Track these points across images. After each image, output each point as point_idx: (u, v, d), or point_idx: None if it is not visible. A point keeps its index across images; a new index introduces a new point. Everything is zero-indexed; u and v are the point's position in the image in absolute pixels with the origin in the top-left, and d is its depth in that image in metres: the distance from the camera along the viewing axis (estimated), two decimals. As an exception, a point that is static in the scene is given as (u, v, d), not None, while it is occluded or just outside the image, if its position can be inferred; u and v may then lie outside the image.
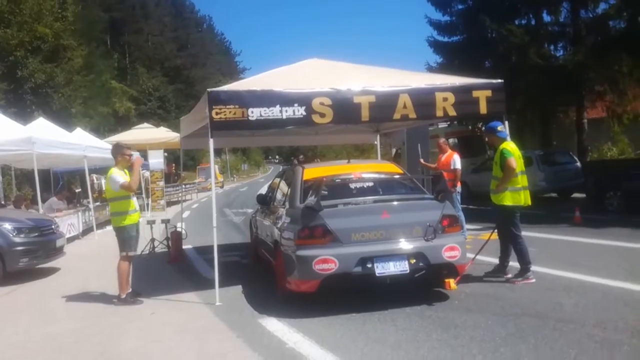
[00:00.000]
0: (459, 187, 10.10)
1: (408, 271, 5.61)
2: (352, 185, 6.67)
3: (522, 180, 6.61)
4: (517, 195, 6.55)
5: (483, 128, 25.05)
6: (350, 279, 5.60)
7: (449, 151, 10.41)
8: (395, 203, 6.22)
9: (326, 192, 6.17)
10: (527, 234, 8.25)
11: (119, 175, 6.67)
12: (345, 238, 5.66)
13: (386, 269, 5.58)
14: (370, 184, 6.79)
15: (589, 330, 4.69)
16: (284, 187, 7.56)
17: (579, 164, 16.83)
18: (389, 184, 7.00)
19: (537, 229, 10.16)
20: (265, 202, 8.09)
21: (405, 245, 5.72)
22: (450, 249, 5.81)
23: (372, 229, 5.72)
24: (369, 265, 5.56)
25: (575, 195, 16.25)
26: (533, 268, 6.64)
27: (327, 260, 5.51)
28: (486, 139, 7.40)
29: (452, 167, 10.05)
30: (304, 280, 5.68)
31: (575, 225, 11.05)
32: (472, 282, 6.63)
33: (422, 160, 10.76)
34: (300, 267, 5.64)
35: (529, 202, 6.68)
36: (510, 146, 6.66)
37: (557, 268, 7.11)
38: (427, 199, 6.48)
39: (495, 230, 7.03)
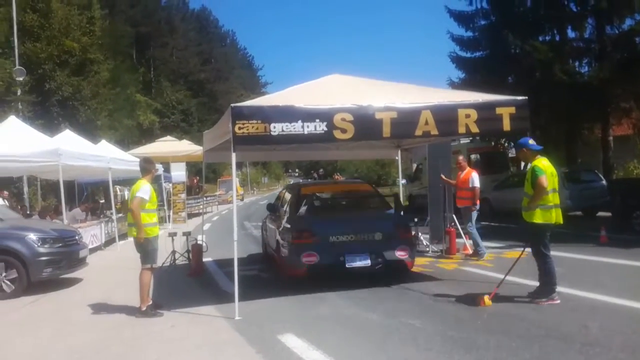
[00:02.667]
0: (477, 205, 10.07)
1: (370, 265, 7.50)
2: (335, 200, 9.13)
3: (554, 199, 6.45)
4: (548, 213, 6.39)
5: (509, 144, 24.88)
6: (327, 268, 7.51)
7: (468, 169, 10.38)
8: (363, 214, 8.36)
9: (317, 204, 8.46)
10: (552, 253, 8.10)
11: (146, 192, 6.70)
12: (324, 239, 7.54)
13: (353, 262, 7.47)
14: (347, 197, 9.19)
15: (615, 355, 4.56)
16: (287, 199, 9.38)
17: (604, 182, 16.50)
18: (361, 199, 9.12)
19: (562, 248, 9.94)
20: (274, 210, 9.84)
21: (368, 245, 7.58)
22: (401, 250, 7.71)
23: (345, 233, 7.61)
24: (341, 259, 7.44)
25: (601, 214, 15.92)
26: (558, 289, 6.49)
27: (311, 255, 7.46)
28: (518, 155, 7.19)
29: (470, 185, 10.06)
30: (295, 269, 7.67)
31: (601, 245, 10.80)
32: (496, 301, 6.51)
33: (443, 176, 10.71)
34: (294, 259, 7.55)
35: (561, 221, 6.51)
36: (542, 163, 6.48)
37: (582, 289, 6.94)
38: (388, 212, 8.43)
39: (527, 249, 6.85)
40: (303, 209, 8.16)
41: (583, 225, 14.44)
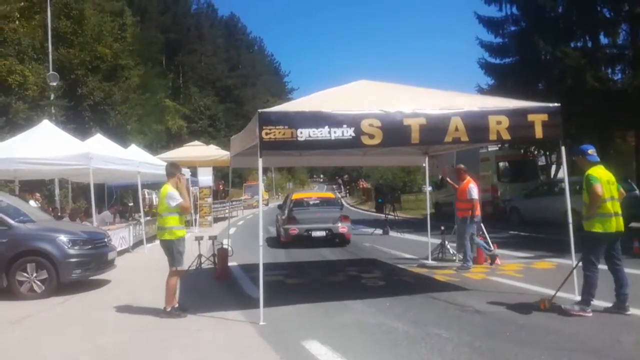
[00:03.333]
0: (477, 217, 9.98)
1: (325, 235, 14.05)
2: (310, 202, 15.75)
3: (613, 207, 6.23)
4: (607, 222, 6.17)
5: (538, 152, 24.44)
6: (301, 236, 14.00)
7: (467, 179, 10.17)
8: (324, 209, 15.05)
9: (302, 203, 15.48)
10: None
11: (177, 194, 6.87)
12: (302, 222, 14.19)
13: (316, 234, 14.03)
14: (318, 200, 16.02)
15: (653, 371, 4.39)
16: (287, 200, 16.70)
17: (637, 191, 16.05)
18: (326, 201, 16.19)
19: (594, 259, 9.69)
20: (281, 208, 16.65)
21: (324, 225, 14.18)
22: (342, 228, 14.21)
23: (313, 219, 14.32)
24: (310, 232, 14.04)
25: (634, 224, 15.46)
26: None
27: (294, 230, 14.09)
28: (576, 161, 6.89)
29: (468, 197, 9.93)
30: (287, 237, 14.23)
31: (634, 256, 10.45)
32: (526, 313, 6.37)
33: (448, 179, 10.64)
34: (286, 233, 14.28)
35: (622, 229, 6.29)
36: (597, 172, 6.27)
37: (615, 302, 6.71)
38: (337, 208, 15.49)
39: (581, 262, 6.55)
40: (292, 206, 15.22)
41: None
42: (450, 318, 6.32)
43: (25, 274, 8.26)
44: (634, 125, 19.65)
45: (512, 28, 22.21)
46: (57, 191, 21.51)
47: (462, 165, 10.45)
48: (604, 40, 20.47)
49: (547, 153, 25.10)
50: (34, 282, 8.29)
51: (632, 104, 17.87)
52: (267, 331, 5.99)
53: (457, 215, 10.37)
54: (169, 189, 6.91)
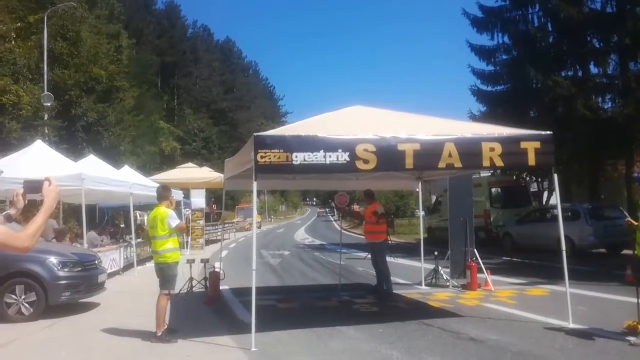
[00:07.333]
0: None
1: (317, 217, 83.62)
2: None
3: None
4: None
5: (531, 178, 24.64)
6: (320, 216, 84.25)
7: (374, 201, 10.26)
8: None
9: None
10: (575, 291, 7.90)
11: (175, 215, 7.04)
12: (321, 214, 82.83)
13: (329, 219, 71.95)
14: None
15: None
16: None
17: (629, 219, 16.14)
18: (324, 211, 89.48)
19: (586, 286, 9.68)
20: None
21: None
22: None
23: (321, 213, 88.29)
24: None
25: (626, 252, 15.52)
26: (583, 328, 6.26)
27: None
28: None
29: (379, 213, 9.87)
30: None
31: (627, 284, 10.44)
32: (520, 341, 6.32)
33: (355, 207, 10.82)
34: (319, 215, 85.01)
35: None
36: None
37: (610, 330, 6.69)
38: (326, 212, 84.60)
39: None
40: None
41: (607, 263, 14.09)
42: (444, 346, 6.26)
43: (13, 296, 8.12)
44: (624, 154, 19.86)
45: (504, 57, 22.53)
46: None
47: (370, 190, 10.34)
48: (594, 70, 20.83)
49: (539, 180, 25.27)
50: (23, 304, 8.14)
51: (622, 133, 18.11)
52: (259, 358, 5.91)
53: (369, 240, 10.21)
54: (168, 211, 6.99)
